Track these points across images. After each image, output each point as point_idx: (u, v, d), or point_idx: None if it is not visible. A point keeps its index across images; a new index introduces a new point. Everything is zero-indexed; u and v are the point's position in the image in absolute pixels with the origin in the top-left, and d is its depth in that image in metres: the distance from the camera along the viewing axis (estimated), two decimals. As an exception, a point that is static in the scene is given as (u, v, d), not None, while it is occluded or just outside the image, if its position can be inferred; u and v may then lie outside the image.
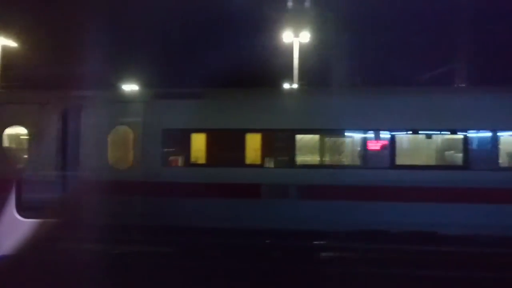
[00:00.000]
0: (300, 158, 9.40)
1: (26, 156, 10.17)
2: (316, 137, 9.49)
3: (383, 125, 9.10)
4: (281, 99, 9.90)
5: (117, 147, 9.97)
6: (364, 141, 9.16)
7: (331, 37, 18.27)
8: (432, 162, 9.34)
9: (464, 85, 13.61)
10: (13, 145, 10.62)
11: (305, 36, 17.10)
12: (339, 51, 17.75)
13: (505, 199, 8.69)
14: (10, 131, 10.20)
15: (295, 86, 16.52)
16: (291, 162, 9.29)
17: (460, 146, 9.01)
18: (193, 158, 9.65)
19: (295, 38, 17.05)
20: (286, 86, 16.22)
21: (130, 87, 13.64)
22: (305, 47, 17.40)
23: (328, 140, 9.49)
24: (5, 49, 17.71)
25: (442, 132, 9.21)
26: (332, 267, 8.83)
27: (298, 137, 9.34)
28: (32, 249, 8.20)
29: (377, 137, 9.18)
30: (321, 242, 9.47)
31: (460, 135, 9.01)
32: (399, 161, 9.10)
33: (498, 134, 8.90)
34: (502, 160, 8.99)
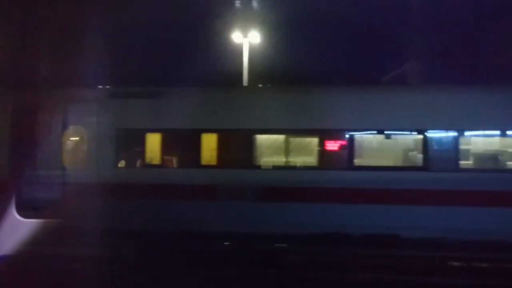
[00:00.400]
0: (258, 159, 9.15)
1: None
2: (273, 137, 9.24)
3: (340, 125, 8.85)
4: (238, 98, 9.62)
5: (71, 147, 9.74)
6: (322, 141, 8.89)
7: (281, 37, 18.30)
8: (391, 163, 9.08)
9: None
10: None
11: (255, 36, 17.22)
12: (290, 50, 17.80)
13: (466, 201, 8.44)
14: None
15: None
16: (248, 163, 9.03)
17: (420, 146, 8.76)
18: (148, 159, 9.40)
19: (245, 39, 17.12)
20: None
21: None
22: (257, 47, 17.49)
23: (286, 140, 9.21)
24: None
25: (402, 132, 8.94)
26: (288, 271, 8.54)
27: (256, 137, 9.09)
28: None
29: (335, 137, 8.93)
30: (280, 245, 9.17)
31: (419, 135, 8.76)
32: (358, 162, 8.86)
33: (460, 134, 8.67)
34: (463, 161, 8.73)
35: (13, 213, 8.36)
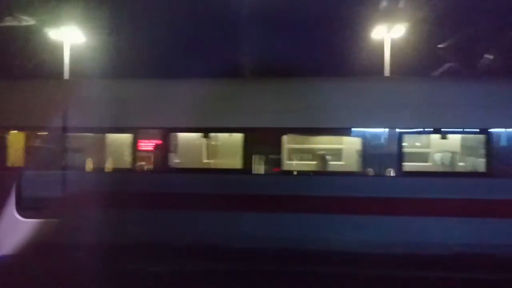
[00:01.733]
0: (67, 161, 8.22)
1: None
2: (85, 136, 8.31)
3: (155, 122, 7.89)
4: (49, 92, 8.53)
5: None
6: (135, 141, 7.94)
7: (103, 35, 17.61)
8: (211, 164, 8.17)
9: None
10: None
11: (78, 35, 16.66)
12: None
13: (292, 207, 7.57)
14: None
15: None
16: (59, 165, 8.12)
17: (240, 146, 7.82)
18: None
19: (67, 37, 16.58)
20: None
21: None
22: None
23: (97, 139, 8.28)
24: None
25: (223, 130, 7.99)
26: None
27: (67, 135, 8.15)
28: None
29: (149, 136, 8.00)
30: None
31: (240, 134, 7.81)
32: (175, 163, 7.96)
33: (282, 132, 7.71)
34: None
35: None
